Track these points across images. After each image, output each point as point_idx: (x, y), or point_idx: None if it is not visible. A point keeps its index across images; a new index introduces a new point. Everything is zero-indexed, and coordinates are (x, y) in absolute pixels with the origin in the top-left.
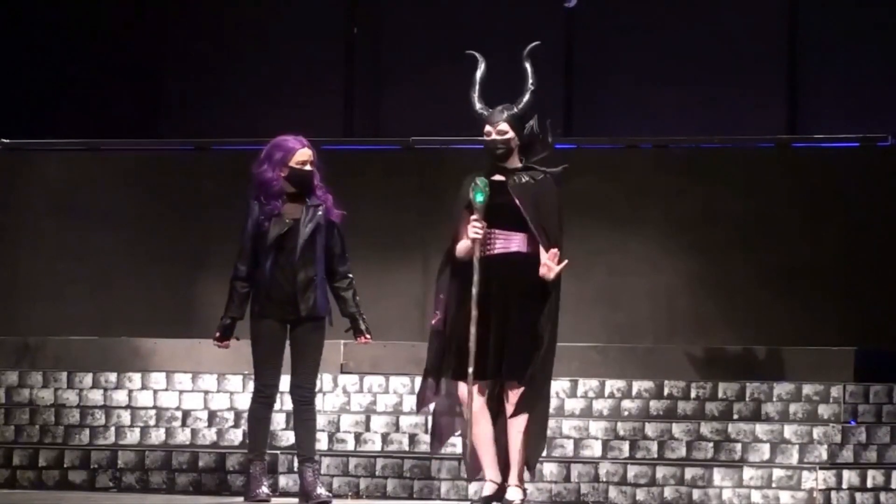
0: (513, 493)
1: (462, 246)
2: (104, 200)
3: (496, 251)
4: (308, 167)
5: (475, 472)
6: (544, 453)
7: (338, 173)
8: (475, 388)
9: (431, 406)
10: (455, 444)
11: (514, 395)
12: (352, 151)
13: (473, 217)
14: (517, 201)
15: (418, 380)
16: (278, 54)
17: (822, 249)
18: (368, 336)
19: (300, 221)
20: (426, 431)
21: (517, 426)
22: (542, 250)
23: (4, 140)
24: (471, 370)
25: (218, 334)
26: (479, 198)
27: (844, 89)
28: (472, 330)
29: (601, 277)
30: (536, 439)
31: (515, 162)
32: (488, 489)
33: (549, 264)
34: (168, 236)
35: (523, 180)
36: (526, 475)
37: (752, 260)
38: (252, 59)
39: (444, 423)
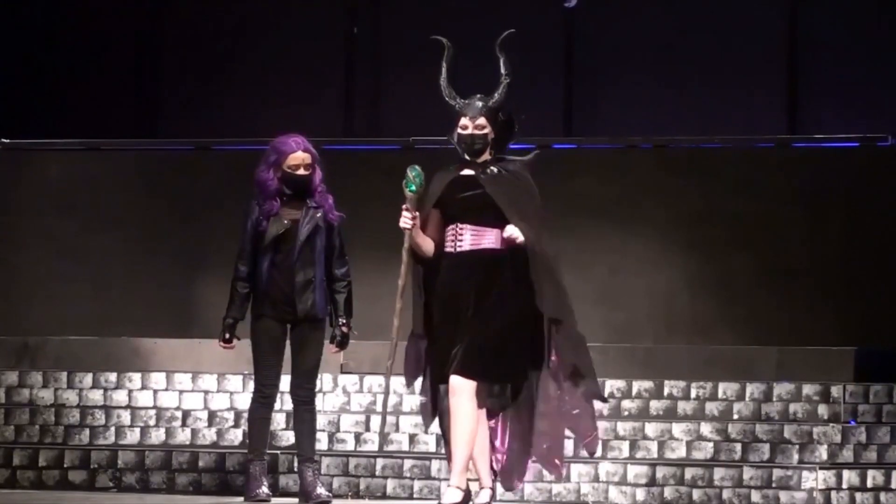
0: (483, 496)
1: (417, 240)
2: (104, 200)
3: (466, 248)
4: (302, 171)
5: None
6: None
7: (338, 173)
8: (461, 381)
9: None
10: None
11: (458, 387)
12: (352, 151)
13: (405, 206)
14: (492, 194)
15: (419, 380)
16: (278, 54)
17: (822, 249)
18: (338, 349)
19: (299, 222)
20: (426, 431)
21: (455, 418)
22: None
23: (4, 140)
24: (390, 363)
25: (227, 335)
26: (411, 187)
27: (844, 89)
28: (395, 322)
29: (601, 277)
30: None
31: (486, 155)
32: (454, 496)
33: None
34: (168, 236)
35: (495, 172)
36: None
37: (752, 260)
38: (252, 59)
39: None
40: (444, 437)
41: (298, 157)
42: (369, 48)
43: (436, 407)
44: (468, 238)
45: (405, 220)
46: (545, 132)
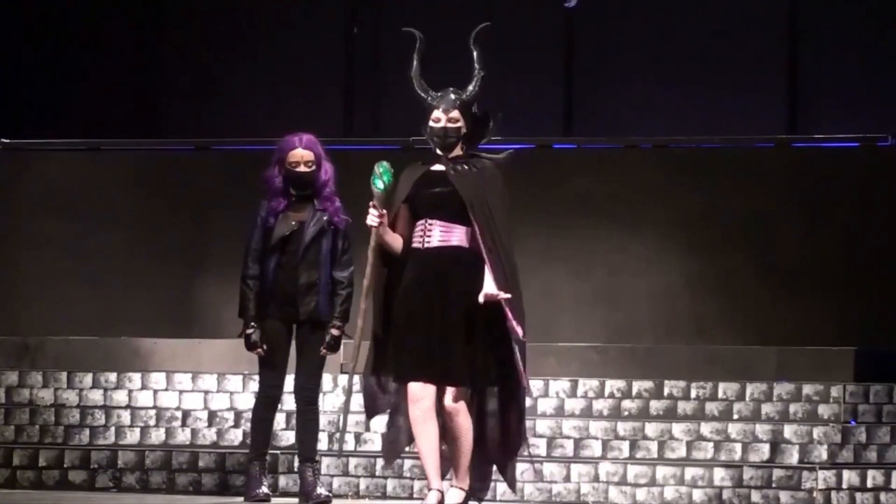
0: (453, 495)
1: (386, 238)
2: (104, 200)
3: (433, 244)
4: (302, 168)
5: (392, 456)
6: (543, 453)
7: (338, 173)
8: (420, 388)
9: (385, 414)
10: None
11: (452, 398)
12: (352, 151)
13: (371, 203)
14: (460, 192)
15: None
16: (278, 54)
17: (822, 249)
18: (326, 351)
19: (305, 224)
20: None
21: (456, 427)
22: (483, 249)
23: (4, 140)
24: (353, 364)
25: (261, 345)
26: (378, 184)
27: (844, 89)
28: (360, 323)
29: (601, 277)
30: (515, 439)
31: (458, 150)
32: (433, 499)
33: (491, 293)
34: (168, 236)
35: (465, 169)
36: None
37: (752, 260)
38: (252, 59)
39: (392, 437)
40: (416, 440)
41: (298, 153)
42: (369, 48)
43: (383, 402)
44: (437, 234)
45: (372, 218)
46: (545, 132)
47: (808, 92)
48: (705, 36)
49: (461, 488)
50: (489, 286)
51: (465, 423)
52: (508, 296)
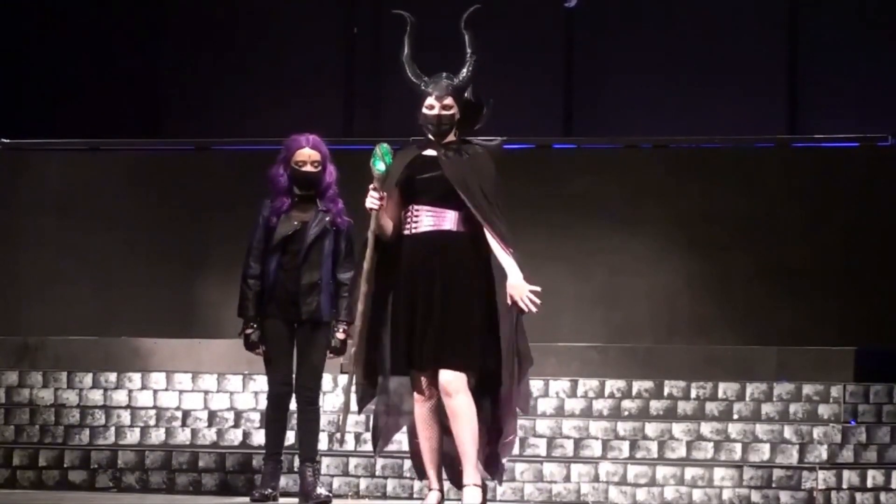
0: (471, 494)
1: (381, 222)
2: (104, 200)
3: (423, 229)
4: (308, 168)
5: (383, 442)
6: (543, 453)
7: (337, 173)
8: (427, 386)
9: (373, 404)
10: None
11: (451, 378)
12: (352, 151)
13: (371, 186)
14: (449, 177)
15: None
16: (278, 54)
17: (822, 249)
18: (333, 355)
19: (308, 224)
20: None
21: (457, 406)
22: (487, 231)
23: (4, 140)
24: (353, 350)
25: (263, 346)
26: (378, 165)
27: (844, 89)
28: (360, 307)
29: (601, 277)
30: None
31: (451, 136)
32: (433, 499)
33: (518, 299)
34: (168, 236)
35: (457, 154)
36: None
37: (753, 260)
38: (252, 59)
39: (383, 422)
40: (409, 438)
41: (305, 153)
42: (369, 48)
43: (369, 393)
44: (425, 219)
45: (372, 200)
46: (545, 132)
47: (808, 92)
48: (705, 36)
49: (475, 485)
50: (514, 277)
51: (465, 404)
52: (537, 289)
